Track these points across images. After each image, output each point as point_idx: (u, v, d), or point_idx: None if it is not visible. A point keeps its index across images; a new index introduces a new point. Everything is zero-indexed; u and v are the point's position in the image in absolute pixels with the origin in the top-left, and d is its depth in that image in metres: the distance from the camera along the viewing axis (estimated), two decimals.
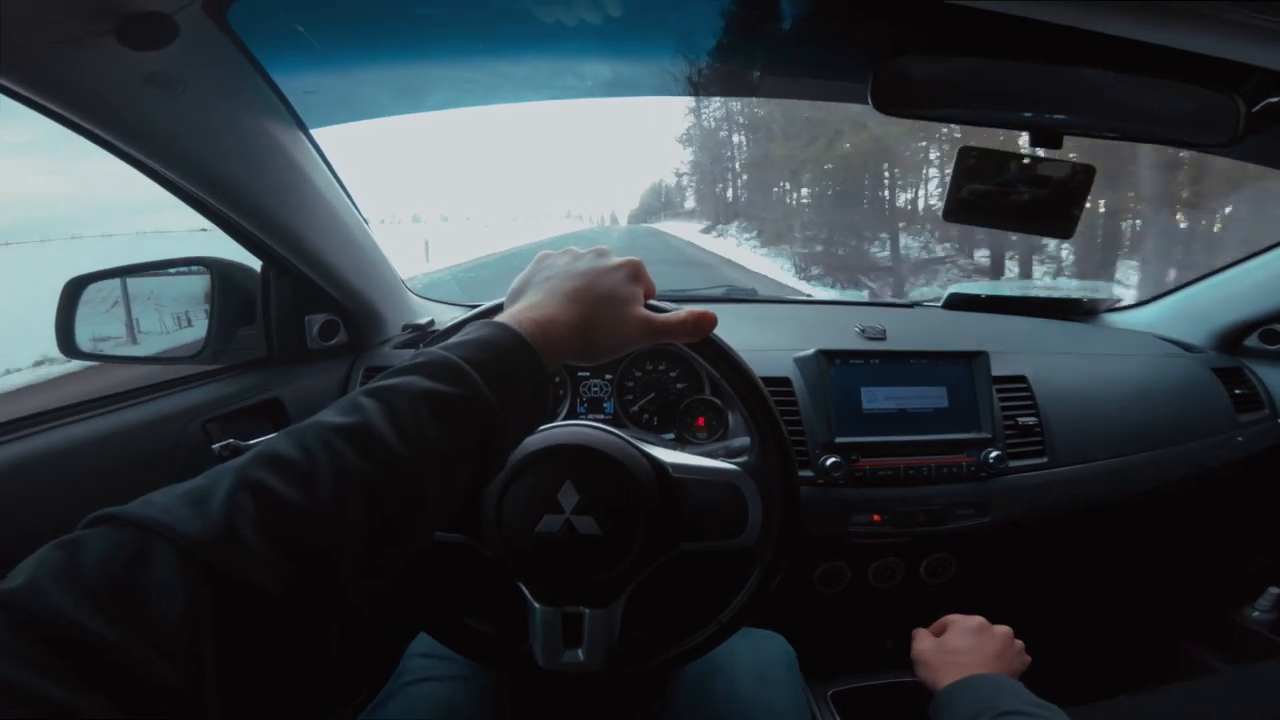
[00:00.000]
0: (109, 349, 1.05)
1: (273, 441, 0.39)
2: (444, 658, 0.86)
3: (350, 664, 0.86)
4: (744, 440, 0.79)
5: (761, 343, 1.20)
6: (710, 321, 0.62)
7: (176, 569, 0.31)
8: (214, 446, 0.90)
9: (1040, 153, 0.76)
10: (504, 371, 0.47)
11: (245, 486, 0.36)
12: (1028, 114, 0.71)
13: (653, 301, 0.61)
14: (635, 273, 0.59)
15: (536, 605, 0.73)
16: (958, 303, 1.56)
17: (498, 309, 0.62)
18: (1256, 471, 1.36)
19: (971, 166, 0.79)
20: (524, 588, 0.73)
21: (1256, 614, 1.39)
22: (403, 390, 0.43)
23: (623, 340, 0.57)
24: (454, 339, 0.49)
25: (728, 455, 0.78)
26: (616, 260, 0.60)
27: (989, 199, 0.79)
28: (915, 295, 1.65)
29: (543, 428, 0.73)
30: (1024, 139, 0.75)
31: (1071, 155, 0.78)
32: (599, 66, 1.17)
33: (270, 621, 0.33)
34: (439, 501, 0.43)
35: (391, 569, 0.41)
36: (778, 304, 1.65)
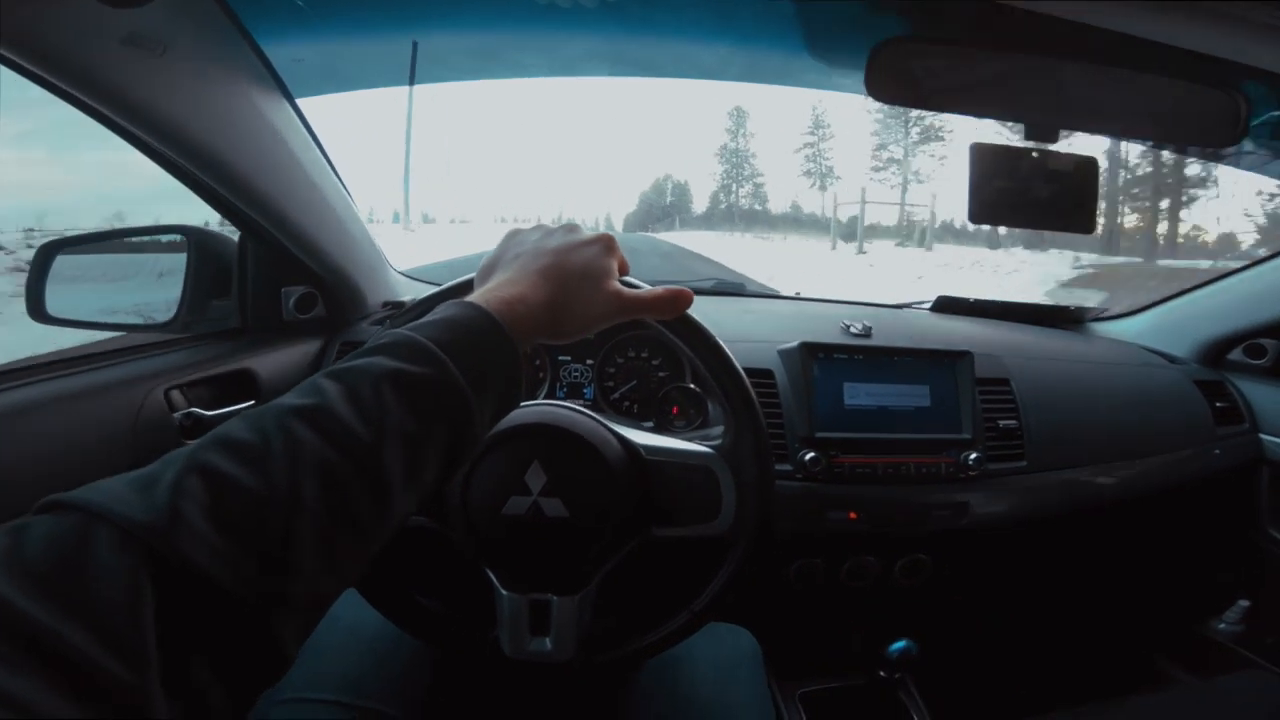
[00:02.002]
0: (79, 314, 1.03)
1: (228, 425, 0.38)
2: (350, 624, 0.83)
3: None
4: (722, 428, 0.78)
5: (746, 334, 1.19)
6: (686, 299, 0.60)
7: (118, 553, 0.30)
8: (174, 415, 0.87)
9: (1048, 147, 0.75)
10: (473, 351, 0.46)
11: (194, 469, 0.34)
12: (1024, 108, 0.70)
13: (628, 279, 0.60)
14: (609, 247, 0.58)
15: (504, 592, 0.71)
16: (945, 306, 1.56)
17: (467, 286, 0.61)
18: (1232, 484, 1.37)
19: (988, 164, 0.77)
20: (491, 573, 0.72)
21: (1224, 626, 1.40)
22: (365, 371, 0.42)
23: (596, 316, 0.56)
24: (422, 320, 0.47)
25: (705, 442, 0.76)
26: (588, 235, 0.58)
27: (1010, 197, 0.77)
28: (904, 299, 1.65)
29: None
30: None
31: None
32: (596, 46, 1.16)
33: (216, 608, 0.32)
34: (405, 487, 0.41)
35: (354, 559, 0.39)
36: (765, 299, 1.64)
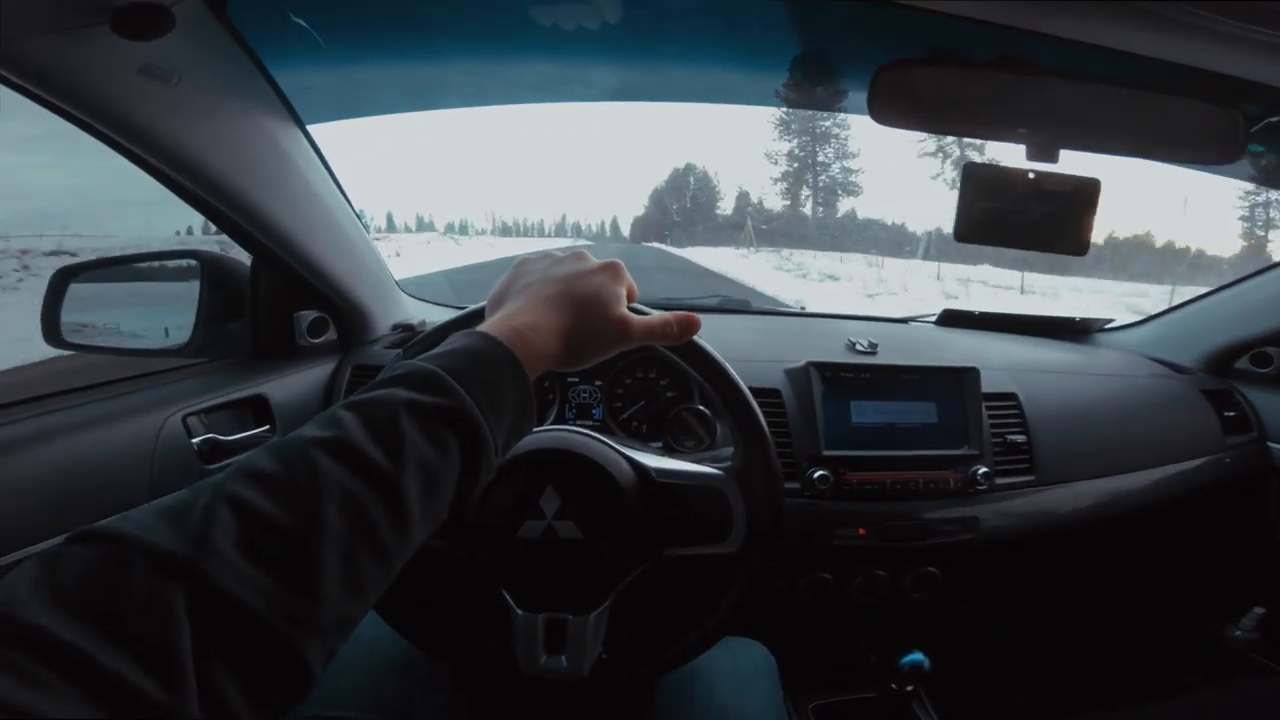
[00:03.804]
0: (94, 339, 1.04)
1: (252, 456, 0.39)
2: (368, 644, 0.84)
3: None
4: (732, 449, 0.79)
5: (752, 353, 1.20)
6: (694, 324, 0.62)
7: (153, 581, 0.31)
8: (193, 441, 0.89)
9: (1044, 168, 0.75)
10: (487, 381, 0.47)
11: (223, 500, 0.36)
12: (1025, 128, 0.71)
13: (635, 305, 0.61)
14: (617, 274, 0.59)
15: (519, 611, 0.72)
16: (951, 319, 1.56)
17: (479, 315, 0.62)
18: (1243, 494, 1.36)
19: (979, 185, 0.77)
20: (506, 593, 0.73)
21: (1239, 633, 1.39)
22: (383, 402, 0.43)
23: (606, 343, 0.57)
24: (435, 350, 0.49)
25: (715, 464, 0.77)
26: (597, 263, 0.59)
27: (1000, 217, 0.77)
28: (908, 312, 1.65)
29: None
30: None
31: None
32: (604, 72, 1.18)
33: (247, 633, 0.33)
34: (423, 513, 0.42)
35: (376, 583, 0.40)
36: (770, 315, 1.65)
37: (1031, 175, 0.72)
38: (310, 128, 0.96)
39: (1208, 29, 0.56)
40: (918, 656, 1.14)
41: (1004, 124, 0.72)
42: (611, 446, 0.73)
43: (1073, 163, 0.74)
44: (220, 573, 0.33)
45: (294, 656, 0.35)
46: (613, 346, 0.57)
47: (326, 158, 1.00)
